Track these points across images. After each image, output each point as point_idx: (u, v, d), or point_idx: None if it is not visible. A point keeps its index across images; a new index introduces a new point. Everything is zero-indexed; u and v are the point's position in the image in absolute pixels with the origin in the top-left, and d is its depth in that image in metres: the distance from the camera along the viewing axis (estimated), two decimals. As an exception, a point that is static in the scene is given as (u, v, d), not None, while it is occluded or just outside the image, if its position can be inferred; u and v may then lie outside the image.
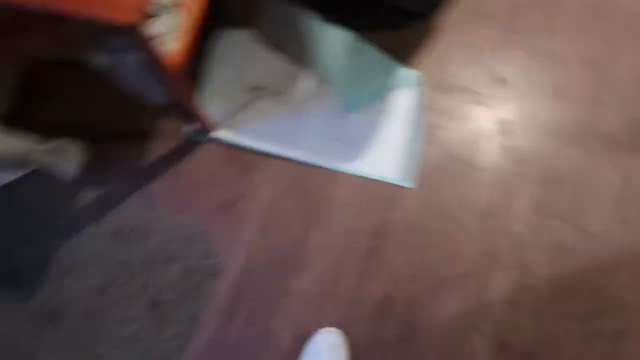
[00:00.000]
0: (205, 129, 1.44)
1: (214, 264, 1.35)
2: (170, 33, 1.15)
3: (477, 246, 1.33)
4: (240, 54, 1.54)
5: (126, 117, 1.51)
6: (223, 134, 1.46)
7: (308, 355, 1.21)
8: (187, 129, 1.48)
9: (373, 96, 1.48)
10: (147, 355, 1.30)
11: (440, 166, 1.41)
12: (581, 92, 1.48)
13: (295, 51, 1.51)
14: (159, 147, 1.48)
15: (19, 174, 1.46)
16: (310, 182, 1.41)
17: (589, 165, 1.39)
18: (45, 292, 1.35)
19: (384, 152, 1.43)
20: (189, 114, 1.37)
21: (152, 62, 1.10)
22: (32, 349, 1.32)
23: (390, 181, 1.39)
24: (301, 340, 1.26)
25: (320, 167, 1.42)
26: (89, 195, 1.44)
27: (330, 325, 1.27)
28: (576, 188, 1.36)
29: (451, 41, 1.54)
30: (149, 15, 0.94)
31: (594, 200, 1.35)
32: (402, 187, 1.39)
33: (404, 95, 1.49)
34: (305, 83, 1.50)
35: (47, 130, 1.40)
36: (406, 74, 1.51)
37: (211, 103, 1.48)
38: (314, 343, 1.23)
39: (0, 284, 1.35)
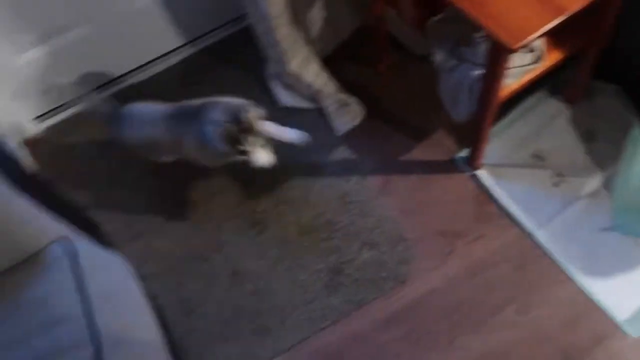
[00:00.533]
0: (474, 161, 1.50)
1: (405, 272, 1.39)
2: (517, 73, 1.22)
3: None
4: (545, 121, 1.57)
5: (416, 112, 1.64)
6: (485, 175, 1.50)
7: None
8: (459, 153, 1.55)
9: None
10: (305, 305, 1.41)
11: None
12: None
13: (602, 151, 1.48)
14: (422, 152, 1.58)
15: (305, 105, 1.68)
16: (535, 265, 1.37)
17: None
18: (261, 204, 1.57)
19: (627, 289, 1.33)
20: (473, 142, 1.44)
21: (489, 85, 1.19)
22: (226, 238, 1.55)
23: (613, 317, 1.28)
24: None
25: (553, 260, 1.37)
26: (340, 153, 1.60)
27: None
28: None
29: None
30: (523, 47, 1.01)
31: None
32: (621, 330, 1.26)
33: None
34: (592, 181, 1.47)
35: (345, 85, 1.62)
36: None
37: (495, 145, 1.54)
38: None
39: (231, 179, 1.59)
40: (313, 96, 1.62)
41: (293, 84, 1.61)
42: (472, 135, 1.40)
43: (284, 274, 1.44)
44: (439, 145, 1.57)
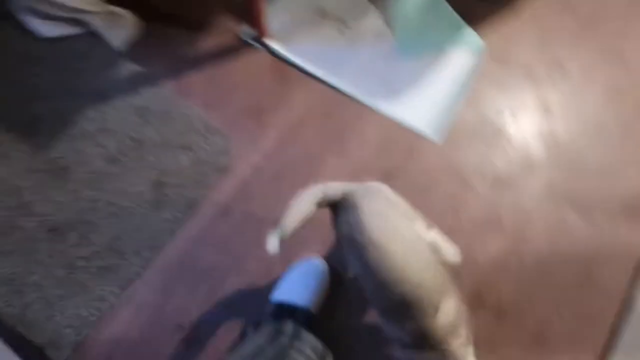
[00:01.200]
0: (261, 35, 1.47)
1: (226, 161, 1.37)
2: None
3: (481, 209, 1.34)
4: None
5: (191, 3, 1.55)
6: (276, 44, 1.49)
7: (292, 274, 1.22)
8: (244, 29, 1.51)
9: (432, 47, 1.50)
10: (139, 230, 1.33)
11: (471, 129, 1.42)
12: (635, 99, 1.45)
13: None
14: (209, 41, 1.52)
15: (72, 31, 1.51)
16: (342, 111, 1.43)
17: (619, 165, 1.37)
18: (57, 149, 1.39)
19: (423, 103, 1.44)
20: (252, 15, 1.41)
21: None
22: (31, 198, 1.36)
23: (420, 131, 1.40)
24: (287, 254, 1.28)
25: (357, 101, 1.43)
26: (126, 70, 1.48)
27: (318, 248, 1.29)
28: (598, 182, 1.35)
29: (526, 22, 1.56)
30: None
31: (610, 195, 1.34)
32: (428, 139, 1.39)
33: (462, 56, 1.50)
34: (372, 20, 1.52)
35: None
36: (471, 37, 1.52)
37: (277, 12, 1.52)
38: (301, 265, 1.24)
39: (18, 131, 1.40)
40: (77, 19, 1.44)
41: (49, 11, 1.41)
42: (250, 9, 1.37)
43: (106, 209, 1.34)
44: (223, 30, 1.52)
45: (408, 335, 0.82)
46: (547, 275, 1.27)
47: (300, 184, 1.25)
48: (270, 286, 1.24)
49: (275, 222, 1.27)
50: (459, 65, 1.47)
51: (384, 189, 0.90)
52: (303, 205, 0.86)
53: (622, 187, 1.36)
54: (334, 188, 0.89)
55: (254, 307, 1.23)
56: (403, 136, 1.39)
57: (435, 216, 1.25)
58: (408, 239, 0.84)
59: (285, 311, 1.11)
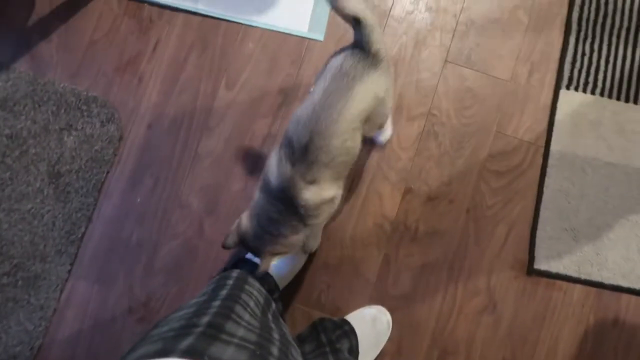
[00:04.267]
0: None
1: (115, 129, 1.33)
2: None
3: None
4: None
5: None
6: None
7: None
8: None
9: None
10: (52, 228, 1.31)
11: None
12: None
13: None
14: (48, 5, 1.39)
15: None
16: (216, 38, 1.38)
17: (504, 15, 1.41)
18: None
19: (294, 4, 1.40)
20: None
21: None
22: None
23: (300, 34, 1.38)
24: (211, 204, 1.31)
25: (228, 21, 1.39)
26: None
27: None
28: (487, 38, 1.39)
29: None
30: None
31: (503, 47, 1.39)
32: (311, 39, 1.37)
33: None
34: None
35: None
36: None
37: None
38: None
39: None
40: None
41: None
42: None
43: (10, 218, 1.32)
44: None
45: (278, 173, 0.87)
46: (461, 150, 1.37)
47: (199, 128, 1.25)
48: (207, 239, 1.28)
49: (183, 172, 1.29)
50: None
51: None
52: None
53: (511, 31, 1.41)
54: (376, 34, 0.90)
55: (197, 265, 1.28)
56: (286, 44, 1.38)
57: None
58: (357, 125, 0.89)
59: (248, 266, 1.14)
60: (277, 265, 1.14)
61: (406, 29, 1.36)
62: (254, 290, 0.89)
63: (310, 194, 0.86)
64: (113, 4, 1.37)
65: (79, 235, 1.28)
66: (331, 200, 0.90)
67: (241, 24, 1.37)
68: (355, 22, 0.87)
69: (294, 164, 0.85)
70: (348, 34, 1.31)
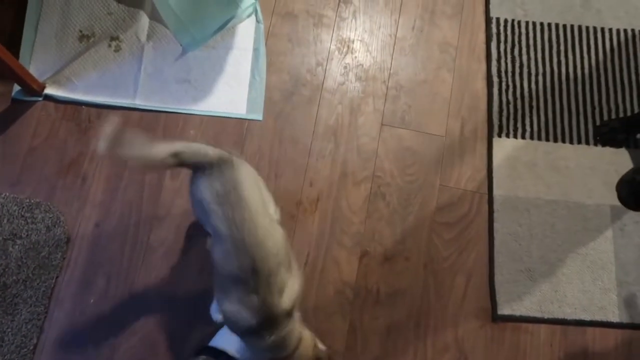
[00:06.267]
0: (33, 88, 1.41)
1: (61, 232, 1.34)
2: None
3: (331, 168, 1.45)
4: (63, 1, 1.51)
5: None
6: (55, 90, 1.45)
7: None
8: (15, 90, 1.44)
9: (213, 30, 1.51)
10: (1, 345, 1.28)
11: (289, 93, 1.50)
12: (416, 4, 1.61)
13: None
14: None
15: None
16: (157, 129, 1.44)
17: (429, 76, 1.53)
18: None
19: (230, 87, 1.49)
20: (14, 74, 1.33)
21: None
22: None
23: (239, 116, 1.46)
24: (168, 293, 1.31)
25: (168, 112, 1.45)
26: None
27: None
28: (417, 99, 1.52)
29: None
30: None
31: (433, 105, 1.51)
32: (251, 120, 1.45)
33: (244, 26, 1.55)
34: (141, 24, 1.51)
35: None
36: (245, 3, 1.54)
37: (37, 58, 1.46)
38: None
39: None
40: None
41: None
42: (7, 68, 1.28)
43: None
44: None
45: (250, 312, 0.88)
46: (410, 206, 1.45)
47: (148, 220, 1.27)
48: (167, 330, 1.28)
49: (136, 267, 1.30)
50: (245, 37, 1.52)
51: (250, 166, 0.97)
52: (157, 148, 0.88)
53: (438, 89, 1.53)
54: (201, 148, 0.92)
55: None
56: (227, 128, 1.45)
57: (292, 189, 1.38)
58: (268, 216, 0.93)
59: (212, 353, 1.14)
60: (241, 348, 1.14)
61: (340, 99, 1.47)
62: None
63: (288, 298, 0.90)
64: (50, 109, 1.42)
65: (31, 348, 1.25)
66: (300, 286, 0.94)
67: (180, 113, 1.42)
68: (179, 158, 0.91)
69: (257, 292, 0.87)
70: (285, 109, 1.42)
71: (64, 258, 1.33)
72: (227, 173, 0.90)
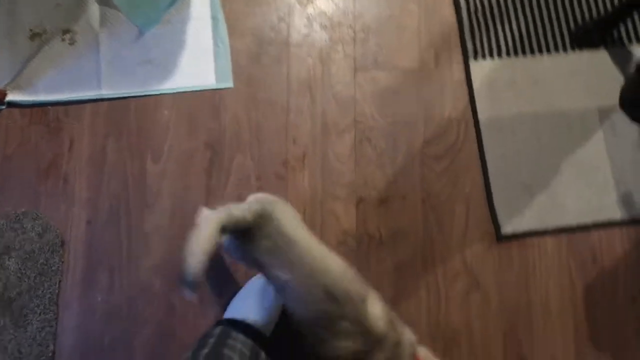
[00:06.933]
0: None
1: (54, 236, 1.33)
2: None
3: (311, 123, 1.43)
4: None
5: None
6: (17, 96, 1.42)
7: (246, 291, 1.25)
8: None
9: (166, 5, 1.47)
10: (20, 357, 1.29)
11: (255, 55, 1.47)
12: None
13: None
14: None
15: None
16: (129, 117, 1.41)
17: (394, 11, 1.51)
18: None
19: (195, 60, 1.45)
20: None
21: None
22: None
23: (209, 87, 1.43)
24: (174, 277, 1.31)
25: (137, 97, 1.42)
26: None
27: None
28: (387, 37, 1.49)
29: None
30: None
31: (403, 40, 1.48)
32: (223, 89, 1.43)
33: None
34: (94, 12, 1.47)
35: None
36: None
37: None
38: (254, 283, 1.26)
39: None
40: None
41: None
42: None
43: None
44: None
45: (348, 339, 0.86)
46: (397, 146, 1.44)
47: (139, 208, 1.26)
48: (179, 314, 1.29)
49: (136, 256, 1.29)
50: (203, 5, 1.49)
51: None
52: (204, 238, 0.81)
53: (406, 23, 1.50)
54: (240, 209, 0.87)
55: (176, 345, 1.29)
56: (200, 101, 1.42)
57: (277, 150, 1.37)
58: (320, 244, 0.93)
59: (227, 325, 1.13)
60: (257, 313, 1.15)
61: (309, 51, 1.44)
62: (238, 342, 0.89)
63: (374, 306, 0.90)
64: (16, 116, 1.40)
65: (50, 355, 1.26)
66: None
67: (150, 95, 1.39)
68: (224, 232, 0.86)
69: (343, 316, 0.86)
70: (255, 72, 1.41)
71: (62, 262, 1.32)
72: (269, 227, 0.88)
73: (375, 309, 0.90)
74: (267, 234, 0.89)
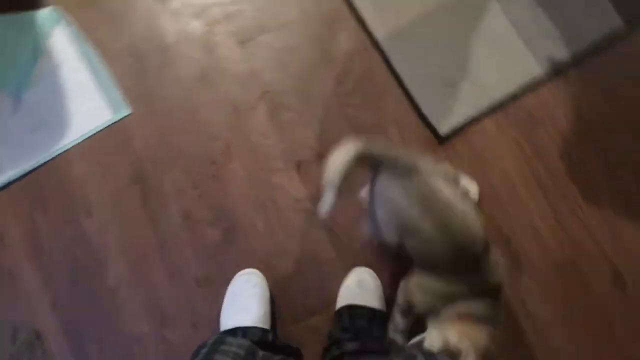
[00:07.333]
0: None
1: (26, 334, 1.29)
2: None
3: (221, 113, 1.41)
4: None
5: None
6: None
7: (229, 297, 1.24)
8: None
9: (29, 62, 1.41)
10: None
11: (139, 71, 1.42)
12: None
13: None
14: None
15: None
16: (45, 184, 1.36)
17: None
18: None
19: (83, 102, 1.40)
20: None
21: None
22: None
23: (110, 122, 1.39)
24: (158, 315, 1.29)
25: (43, 164, 1.36)
26: None
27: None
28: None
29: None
30: None
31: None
32: (122, 118, 1.38)
33: (58, 38, 1.44)
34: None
35: None
36: (44, 16, 1.44)
37: None
38: (234, 285, 1.25)
39: None
40: None
41: None
42: None
43: None
44: None
45: (469, 283, 0.90)
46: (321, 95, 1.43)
47: (94, 268, 1.28)
48: (177, 346, 1.27)
49: (114, 314, 1.28)
50: (66, 45, 1.44)
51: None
52: (343, 159, 0.90)
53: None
54: (382, 147, 0.94)
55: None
56: (107, 140, 1.38)
57: (201, 152, 1.36)
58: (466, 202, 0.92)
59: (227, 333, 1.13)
60: (248, 312, 1.15)
61: (189, 45, 1.42)
62: (232, 347, 0.90)
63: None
64: None
65: None
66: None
67: (55, 157, 1.35)
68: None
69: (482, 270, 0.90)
70: (146, 89, 1.37)
71: (45, 353, 1.26)
72: (417, 178, 0.90)
73: (495, 261, 0.94)
74: (404, 185, 0.91)
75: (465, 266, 0.91)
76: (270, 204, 1.31)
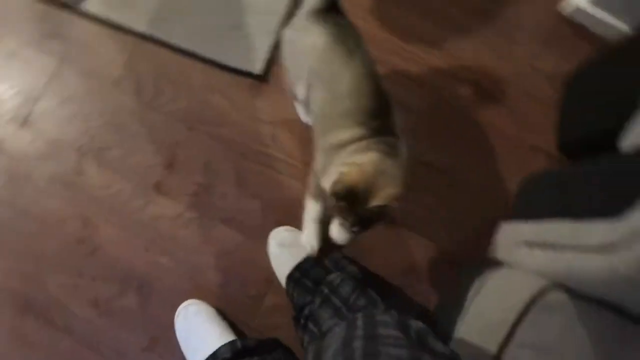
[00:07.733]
0: None
1: None
2: None
3: (50, 197, 1.31)
4: None
5: None
6: None
7: (182, 339, 1.19)
8: None
9: None
10: None
11: None
12: None
13: None
14: None
15: None
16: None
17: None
18: None
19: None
20: None
21: None
22: None
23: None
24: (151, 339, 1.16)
25: None
26: None
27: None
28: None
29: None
30: None
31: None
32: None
33: None
34: None
35: None
36: None
37: None
38: (178, 326, 1.21)
39: None
40: None
41: None
42: None
43: None
44: None
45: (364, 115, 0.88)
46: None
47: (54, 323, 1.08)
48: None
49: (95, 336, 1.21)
50: None
51: None
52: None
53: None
54: None
55: None
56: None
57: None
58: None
59: None
60: (204, 339, 1.17)
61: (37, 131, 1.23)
62: None
63: None
64: None
65: None
66: None
67: None
68: None
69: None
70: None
71: None
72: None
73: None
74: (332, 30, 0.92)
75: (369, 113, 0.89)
76: (157, 238, 1.26)
